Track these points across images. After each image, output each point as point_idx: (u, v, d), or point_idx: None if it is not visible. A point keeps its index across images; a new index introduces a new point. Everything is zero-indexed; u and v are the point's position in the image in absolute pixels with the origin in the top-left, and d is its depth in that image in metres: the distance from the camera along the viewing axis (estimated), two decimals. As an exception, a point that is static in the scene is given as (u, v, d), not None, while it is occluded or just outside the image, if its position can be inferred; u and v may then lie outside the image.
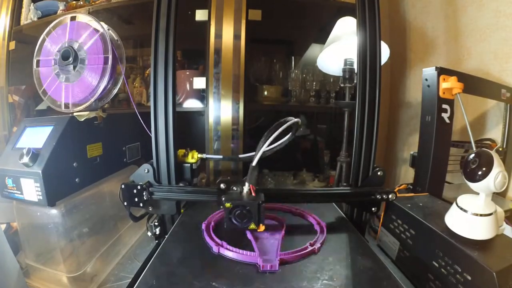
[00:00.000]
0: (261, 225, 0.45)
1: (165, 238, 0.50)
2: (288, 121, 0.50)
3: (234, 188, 0.50)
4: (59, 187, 0.56)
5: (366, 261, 0.43)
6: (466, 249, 0.40)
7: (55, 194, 0.55)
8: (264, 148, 0.49)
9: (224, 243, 0.45)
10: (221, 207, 0.46)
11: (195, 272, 0.40)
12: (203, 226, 0.51)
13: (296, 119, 0.51)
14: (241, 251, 0.43)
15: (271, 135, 0.49)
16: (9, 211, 0.62)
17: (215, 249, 0.45)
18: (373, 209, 0.58)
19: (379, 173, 0.58)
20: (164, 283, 0.38)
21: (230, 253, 0.44)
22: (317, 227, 0.53)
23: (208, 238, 0.48)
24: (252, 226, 0.45)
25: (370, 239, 0.68)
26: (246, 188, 0.47)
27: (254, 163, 0.49)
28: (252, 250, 0.44)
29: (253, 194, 0.46)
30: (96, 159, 0.66)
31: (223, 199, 0.45)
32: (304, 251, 0.44)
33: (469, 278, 0.39)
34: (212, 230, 0.50)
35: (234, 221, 0.45)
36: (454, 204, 0.47)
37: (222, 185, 0.51)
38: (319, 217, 0.57)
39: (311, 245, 0.46)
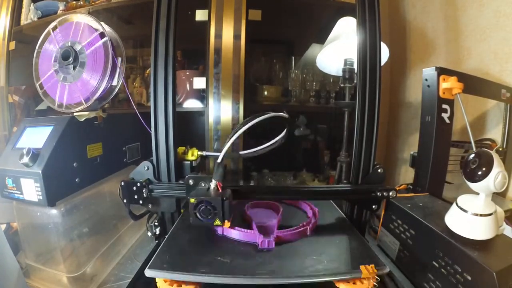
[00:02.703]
0: (226, 221, 0.46)
1: (173, 226, 0.53)
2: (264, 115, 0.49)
3: (202, 184, 0.51)
4: (59, 187, 0.56)
5: (353, 243, 0.49)
6: (466, 249, 0.40)
7: (55, 194, 0.55)
8: (231, 141, 0.49)
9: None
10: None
11: (203, 250, 0.45)
12: None
13: (279, 114, 0.51)
14: (242, 229, 0.48)
15: (241, 129, 0.49)
16: (9, 211, 0.62)
17: (219, 230, 0.49)
18: (373, 206, 0.58)
19: (379, 170, 0.58)
20: (176, 258, 0.43)
21: (233, 232, 0.48)
22: (310, 213, 0.58)
23: None
24: (217, 222, 0.45)
25: (370, 239, 0.68)
26: (213, 185, 0.47)
27: (219, 160, 0.49)
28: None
29: (219, 190, 0.47)
30: (96, 159, 0.66)
31: (190, 194, 0.46)
32: (298, 230, 0.49)
33: (469, 278, 0.39)
34: None
35: (199, 217, 0.45)
36: (454, 204, 0.47)
37: (190, 181, 0.52)
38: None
39: (304, 225, 0.50)
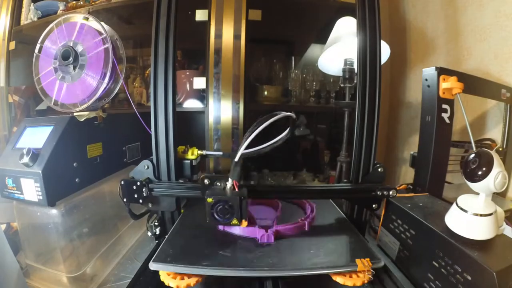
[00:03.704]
0: (243, 220, 0.45)
1: (176, 221, 0.55)
2: (278, 115, 0.49)
3: (218, 183, 0.50)
4: (59, 187, 0.56)
5: (349, 238, 0.51)
6: (466, 249, 0.40)
7: (55, 194, 0.55)
8: (248, 142, 0.48)
9: None
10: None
11: (204, 245, 0.47)
12: None
13: (288, 113, 0.51)
14: None
15: (257, 128, 0.48)
16: (9, 211, 0.62)
17: (220, 226, 0.50)
18: (373, 206, 0.58)
19: (379, 169, 0.58)
20: (179, 253, 0.44)
21: (233, 228, 0.50)
22: (308, 209, 0.61)
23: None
24: (234, 221, 0.45)
25: (370, 239, 0.68)
26: (229, 184, 0.47)
27: (236, 159, 0.49)
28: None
29: (236, 189, 0.46)
30: (96, 159, 0.66)
31: (206, 193, 0.45)
32: (296, 224, 0.51)
33: (469, 278, 0.39)
34: None
35: (216, 216, 0.45)
36: (454, 204, 0.47)
37: (206, 181, 0.52)
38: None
39: (302, 220, 0.53)
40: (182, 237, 0.50)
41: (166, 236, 0.50)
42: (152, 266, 0.41)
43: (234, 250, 0.45)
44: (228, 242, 0.48)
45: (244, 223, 0.45)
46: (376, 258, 0.42)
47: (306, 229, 0.52)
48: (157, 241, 0.63)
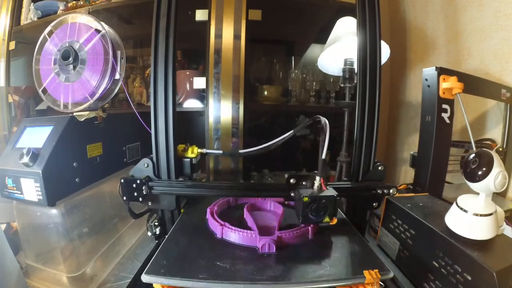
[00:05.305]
0: (334, 218, 0.46)
1: (172, 227, 0.52)
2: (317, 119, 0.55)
3: (303, 182, 0.51)
4: (59, 187, 0.56)
5: (355, 246, 0.47)
6: (466, 249, 0.40)
7: (55, 194, 0.55)
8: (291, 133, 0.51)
9: (227, 223, 0.49)
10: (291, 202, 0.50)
11: (201, 255, 0.44)
12: (208, 211, 0.55)
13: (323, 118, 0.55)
14: (241, 230, 0.47)
15: (303, 124, 0.52)
16: (9, 211, 0.62)
17: (218, 232, 0.48)
18: (374, 204, 0.58)
19: (379, 167, 0.57)
20: (173, 263, 0.41)
21: (232, 234, 0.47)
22: None
23: (212, 221, 0.51)
24: (326, 219, 0.45)
25: (370, 239, 0.68)
26: (317, 182, 0.48)
27: (323, 156, 0.49)
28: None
29: (323, 188, 0.47)
30: (96, 159, 0.66)
31: (300, 192, 0.46)
32: (299, 231, 0.48)
33: (469, 278, 0.39)
34: (216, 215, 0.54)
35: (310, 216, 0.45)
36: (454, 204, 0.47)
37: (292, 180, 0.51)
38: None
39: (305, 226, 0.49)
40: (177, 246, 0.47)
41: (160, 246, 0.46)
42: (145, 278, 0.39)
43: (233, 261, 0.42)
44: (226, 252, 0.45)
45: (334, 220, 0.46)
46: (385, 269, 0.40)
47: (309, 237, 0.49)
48: (157, 241, 0.63)
